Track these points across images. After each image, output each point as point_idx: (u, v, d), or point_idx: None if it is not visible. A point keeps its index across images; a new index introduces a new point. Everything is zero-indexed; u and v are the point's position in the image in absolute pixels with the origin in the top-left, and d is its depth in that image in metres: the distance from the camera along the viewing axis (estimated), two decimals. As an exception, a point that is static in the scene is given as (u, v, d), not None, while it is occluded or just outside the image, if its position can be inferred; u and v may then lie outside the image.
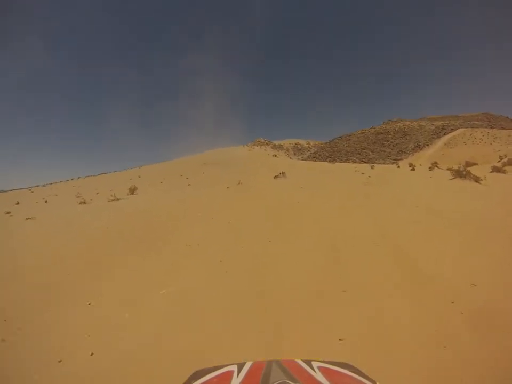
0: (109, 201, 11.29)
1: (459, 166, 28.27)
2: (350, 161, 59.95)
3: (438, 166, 24.88)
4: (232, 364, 0.75)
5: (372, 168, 22.64)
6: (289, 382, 0.58)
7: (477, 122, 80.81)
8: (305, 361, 0.73)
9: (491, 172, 14.68)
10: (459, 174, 11.12)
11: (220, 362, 0.80)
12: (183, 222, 6.37)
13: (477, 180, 10.33)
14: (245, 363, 0.75)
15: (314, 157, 73.07)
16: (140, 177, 30.27)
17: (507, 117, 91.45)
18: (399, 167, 26.43)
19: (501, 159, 26.98)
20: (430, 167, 24.34)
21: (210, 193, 11.23)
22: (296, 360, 0.75)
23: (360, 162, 51.28)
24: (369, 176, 15.24)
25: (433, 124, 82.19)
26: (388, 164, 46.39)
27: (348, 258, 3.63)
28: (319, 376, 0.65)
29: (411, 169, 22.49)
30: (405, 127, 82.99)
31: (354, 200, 7.82)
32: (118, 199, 11.40)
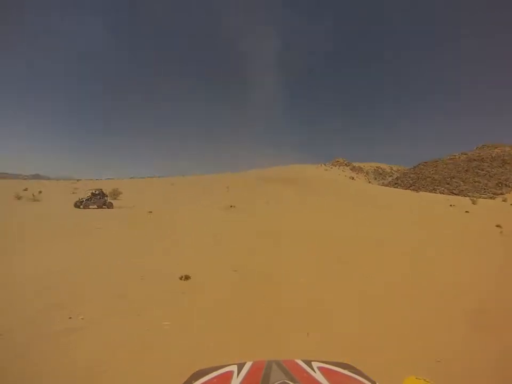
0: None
1: None
2: (437, 191, 47.83)
3: None
4: (232, 364, 0.72)
5: (473, 203, 14.46)
6: (289, 382, 0.57)
7: None
8: (305, 362, 0.72)
9: None
10: None
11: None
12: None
13: None
14: (245, 363, 0.72)
15: (396, 183, 65.20)
16: (172, 184, 29.08)
17: None
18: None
19: None
20: None
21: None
22: (296, 360, 0.73)
23: (449, 194, 39.40)
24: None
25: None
26: (484, 198, 34.03)
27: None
28: (319, 376, 0.63)
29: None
30: (504, 154, 64.97)
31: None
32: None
